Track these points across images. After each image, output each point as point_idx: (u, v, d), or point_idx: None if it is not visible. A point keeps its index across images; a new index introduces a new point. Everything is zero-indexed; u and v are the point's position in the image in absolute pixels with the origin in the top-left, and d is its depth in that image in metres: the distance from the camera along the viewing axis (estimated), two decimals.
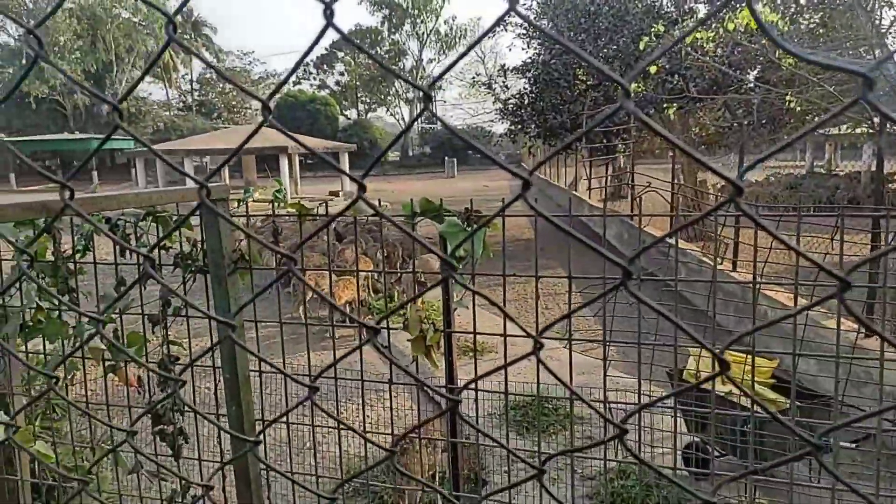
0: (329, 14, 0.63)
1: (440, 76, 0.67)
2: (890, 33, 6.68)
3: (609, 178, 18.25)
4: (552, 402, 5.72)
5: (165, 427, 2.13)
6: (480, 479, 4.63)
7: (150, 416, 2.12)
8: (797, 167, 25.87)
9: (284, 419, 2.33)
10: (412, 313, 2.23)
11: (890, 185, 19.27)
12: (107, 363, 2.30)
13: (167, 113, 50.18)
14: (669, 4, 12.93)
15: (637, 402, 2.67)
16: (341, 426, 2.28)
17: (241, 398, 1.86)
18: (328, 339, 7.87)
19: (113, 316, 2.26)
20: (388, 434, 2.80)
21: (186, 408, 2.17)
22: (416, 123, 59.77)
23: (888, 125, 7.20)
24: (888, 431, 4.71)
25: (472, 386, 3.03)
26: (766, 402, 4.62)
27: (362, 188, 0.69)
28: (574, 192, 22.79)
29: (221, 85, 56.63)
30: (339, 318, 9.88)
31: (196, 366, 2.50)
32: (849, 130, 12.93)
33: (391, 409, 2.62)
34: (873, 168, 22.19)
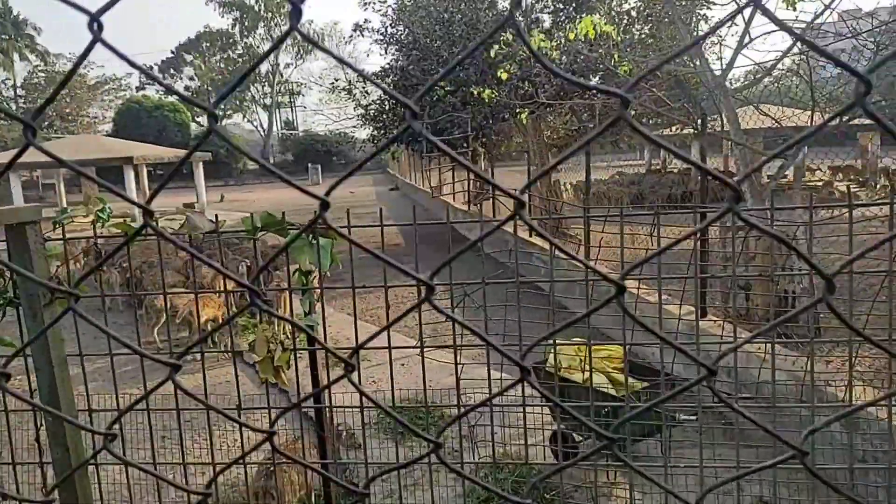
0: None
1: (222, 97, 0.63)
2: (706, 45, 7.44)
3: (470, 181, 18.80)
4: (419, 406, 5.75)
5: None
6: (358, 493, 4.54)
7: None
8: (637, 165, 28.23)
9: (117, 460, 2.12)
10: (259, 333, 2.12)
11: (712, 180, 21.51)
12: None
13: None
14: (518, 15, 13.56)
15: (489, 398, 2.75)
16: (186, 463, 2.11)
17: (66, 441, 1.66)
18: (196, 361, 7.37)
19: None
20: (239, 464, 2.64)
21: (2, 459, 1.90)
22: (276, 129, 57.96)
23: (709, 126, 8.05)
24: (717, 406, 5.24)
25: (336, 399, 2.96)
26: (621, 387, 4.95)
27: (149, 214, 0.62)
28: (439, 196, 23.23)
29: (51, 90, 51.33)
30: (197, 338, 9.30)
31: (13, 410, 2.21)
32: (678, 131, 14.31)
33: (242, 438, 2.48)
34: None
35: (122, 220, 2.64)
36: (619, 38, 6.69)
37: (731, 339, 4.55)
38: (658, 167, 27.79)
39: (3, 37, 49.19)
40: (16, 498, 1.92)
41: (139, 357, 2.35)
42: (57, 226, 2.10)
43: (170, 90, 0.64)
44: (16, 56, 50.17)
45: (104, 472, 4.01)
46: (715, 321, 6.64)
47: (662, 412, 4.32)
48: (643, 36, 9.09)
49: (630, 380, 5.04)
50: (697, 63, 7.21)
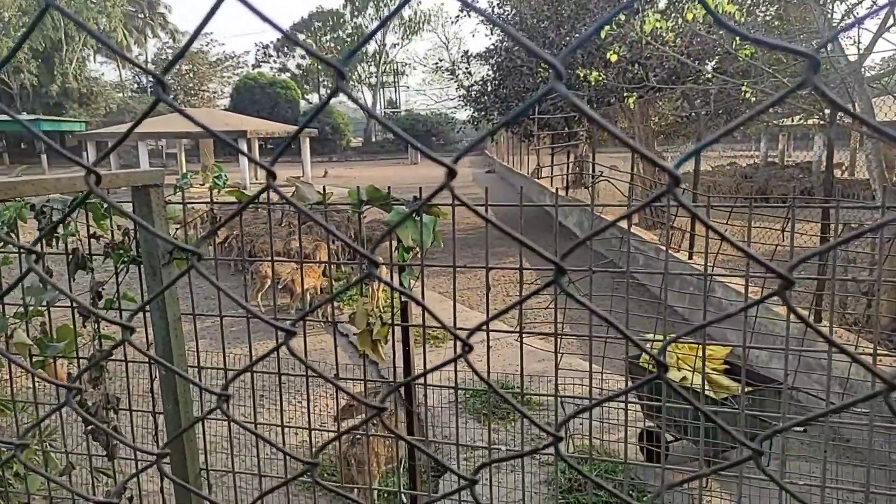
0: None
1: (351, 54, 0.60)
2: (841, 27, 6.82)
3: (570, 165, 18.39)
4: (511, 390, 5.73)
5: (98, 426, 2.01)
6: (442, 467, 4.60)
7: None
8: (752, 156, 26.51)
9: (224, 417, 2.24)
10: (359, 307, 2.16)
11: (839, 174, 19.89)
12: (34, 359, 2.17)
13: (120, 94, 48.52)
14: None
15: (589, 390, 2.67)
16: (284, 425, 2.20)
17: (177, 395, 1.77)
18: (296, 327, 7.72)
19: (41, 309, 2.13)
20: (333, 432, 2.72)
21: (120, 405, 2.06)
22: (379, 109, 59.23)
23: (838, 116, 7.39)
24: (833, 412, 4.85)
25: (425, 378, 2.98)
26: (720, 389, 4.70)
27: (272, 175, 0.62)
28: (536, 179, 22.91)
29: (178, 66, 54.98)
30: (299, 306, 9.72)
31: (132, 361, 2.39)
32: (801, 121, 13.27)
33: (336, 403, 2.55)
34: (824, 158, 22.89)
35: (235, 188, 2.76)
36: (742, 20, 6.24)
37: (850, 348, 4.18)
38: (775, 159, 26.00)
39: (140, 16, 53.10)
40: (131, 446, 2.08)
41: (245, 319, 2.48)
42: (178, 190, 2.23)
43: (308, 53, 0.61)
44: (149, 32, 54.06)
45: (207, 425, 4.29)
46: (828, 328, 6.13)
47: (769, 421, 4.06)
48: (769, 18, 8.44)
49: (730, 382, 4.77)
50: (830, 47, 6.62)
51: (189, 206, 2.19)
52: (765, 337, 6.38)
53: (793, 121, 14.81)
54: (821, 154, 23.25)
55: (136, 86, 54.72)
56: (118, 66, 52.47)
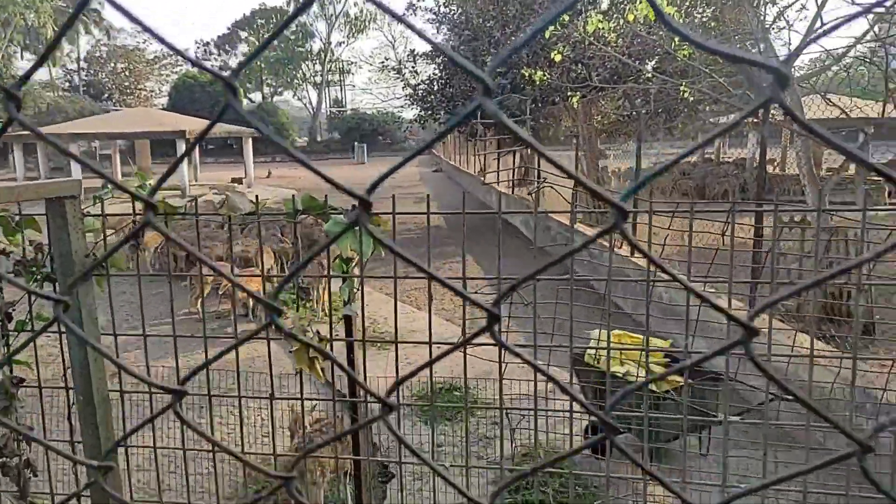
0: None
1: (241, 67, 0.54)
2: (773, 29, 7.06)
3: (515, 165, 18.56)
4: (459, 390, 5.70)
5: (8, 460, 1.84)
6: (388, 472, 4.53)
7: None
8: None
9: (146, 441, 2.10)
10: (296, 322, 2.07)
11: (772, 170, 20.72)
12: None
13: (51, 94, 46.27)
14: None
15: (535, 387, 2.65)
16: (216, 448, 2.08)
17: (97, 421, 1.64)
18: (231, 337, 7.48)
19: None
20: (268, 455, 2.60)
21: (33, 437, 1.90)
22: (325, 108, 58.45)
23: (771, 115, 7.66)
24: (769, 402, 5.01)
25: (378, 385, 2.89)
26: (663, 383, 4.78)
27: (151, 208, 0.54)
28: (482, 179, 23.05)
29: (112, 64, 52.89)
30: (240, 312, 9.43)
31: (46, 387, 2.22)
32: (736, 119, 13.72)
33: (272, 421, 2.45)
34: (757, 155, 23.87)
35: (162, 200, 2.61)
36: (680, 20, 6.38)
37: (787, 343, 4.31)
38: (711, 156, 26.91)
39: (70, 11, 50.76)
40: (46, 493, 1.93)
41: (180, 331, 2.33)
42: (97, 201, 2.08)
43: (196, 64, 0.56)
44: (81, 29, 51.77)
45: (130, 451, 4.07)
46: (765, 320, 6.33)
47: (706, 411, 4.15)
48: (705, 19, 8.70)
49: (672, 375, 4.87)
50: (762, 48, 6.85)
51: (109, 216, 2.05)
52: (703, 329, 6.56)
53: (727, 119, 15.35)
54: (754, 151, 24.26)
55: (67, 84, 52.32)
56: (48, 64, 50.01)
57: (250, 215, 2.20)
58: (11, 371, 1.96)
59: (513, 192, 17.35)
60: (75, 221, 1.77)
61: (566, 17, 6.85)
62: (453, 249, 12.46)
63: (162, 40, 0.56)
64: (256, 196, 2.50)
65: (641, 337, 5.28)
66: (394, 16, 0.56)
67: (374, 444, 4.56)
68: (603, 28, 6.14)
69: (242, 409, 2.20)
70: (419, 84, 17.27)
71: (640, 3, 5.70)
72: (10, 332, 1.99)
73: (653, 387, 4.72)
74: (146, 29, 0.55)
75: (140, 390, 2.35)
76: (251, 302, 9.19)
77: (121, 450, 2.08)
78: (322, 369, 2.15)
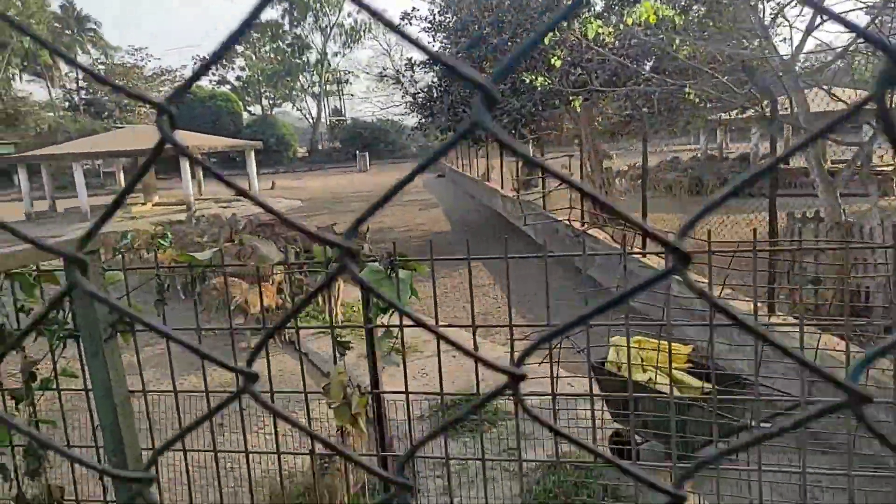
0: None
1: (183, 88, 0.53)
2: (772, 27, 7.06)
3: (518, 167, 18.56)
4: (467, 395, 5.70)
5: None
6: (414, 488, 4.52)
7: None
8: (692, 150, 27.33)
9: (179, 446, 2.11)
10: (334, 378, 2.06)
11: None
12: None
13: (51, 114, 46.49)
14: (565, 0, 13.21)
15: (553, 395, 2.65)
16: (249, 451, 2.09)
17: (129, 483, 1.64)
18: (245, 349, 7.50)
19: None
20: (305, 454, 2.62)
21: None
22: (324, 118, 58.48)
23: (779, 111, 7.64)
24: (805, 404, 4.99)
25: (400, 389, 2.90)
26: (687, 389, 4.77)
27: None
28: (487, 182, 23.06)
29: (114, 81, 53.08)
30: (253, 323, 9.44)
31: (75, 446, 2.22)
32: (738, 115, 13.74)
33: (308, 420, 2.45)
34: (761, 149, 23.87)
35: (184, 251, 2.62)
36: (680, 21, 6.39)
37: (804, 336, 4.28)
38: (714, 152, 26.89)
39: (67, 32, 51.06)
40: None
41: (198, 358, 2.33)
42: (117, 253, 2.08)
43: (117, 88, 0.55)
44: (78, 49, 52.06)
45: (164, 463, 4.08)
46: (782, 317, 6.32)
47: (733, 418, 4.14)
48: (700, 17, 8.70)
49: (696, 381, 4.85)
50: (756, 43, 6.85)
51: (131, 270, 2.05)
52: (722, 330, 6.54)
53: (730, 115, 15.34)
54: (759, 144, 24.27)
55: (66, 104, 52.55)
56: (47, 84, 50.27)
57: (279, 265, 2.21)
58: (38, 429, 1.95)
59: (518, 196, 17.35)
60: (95, 276, 1.76)
61: (563, 23, 6.85)
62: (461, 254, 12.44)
63: (76, 63, 0.56)
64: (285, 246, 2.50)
65: (661, 342, 5.27)
66: (390, 26, 0.53)
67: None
68: (602, 32, 6.14)
69: (275, 420, 2.20)
70: (418, 92, 17.31)
71: (640, 6, 5.71)
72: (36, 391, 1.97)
73: (678, 393, 4.71)
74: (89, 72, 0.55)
75: (177, 448, 2.33)
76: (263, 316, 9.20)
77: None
78: (364, 427, 2.14)
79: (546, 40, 7.52)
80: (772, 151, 6.95)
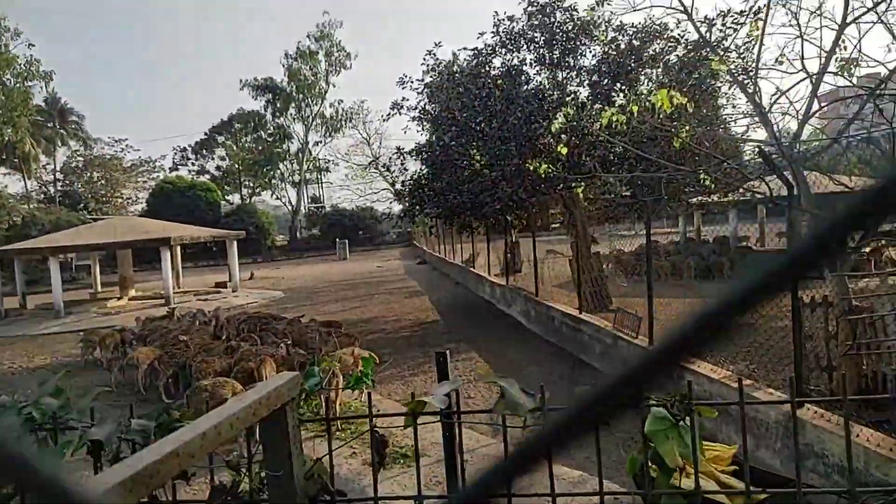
0: None
1: None
2: (771, 114, 7.15)
3: (505, 252, 18.51)
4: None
5: None
6: None
7: None
8: (666, 233, 27.71)
9: None
10: None
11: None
12: None
13: (25, 206, 45.90)
14: (553, 90, 13.56)
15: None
16: None
17: None
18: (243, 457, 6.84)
19: None
20: None
21: None
22: (304, 206, 58.77)
23: (750, 192, 7.60)
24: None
25: None
26: (735, 495, 4.35)
27: None
28: (471, 268, 22.92)
29: (88, 174, 53.06)
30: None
31: None
32: (720, 199, 13.97)
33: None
34: (738, 232, 24.33)
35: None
36: (691, 108, 6.44)
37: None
38: (692, 235, 27.29)
39: (49, 125, 51.43)
40: None
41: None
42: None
43: None
44: (58, 141, 52.31)
45: None
46: (814, 411, 5.96)
47: None
48: (698, 102, 8.89)
49: (740, 484, 4.43)
50: (748, 129, 6.92)
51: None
52: (748, 427, 6.17)
53: (710, 199, 15.60)
54: (736, 227, 24.78)
55: (42, 196, 52.12)
56: (23, 176, 49.96)
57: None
58: None
59: (507, 283, 17.16)
60: (295, 432, 1.41)
61: (571, 111, 6.91)
62: (453, 347, 11.99)
63: None
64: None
65: (704, 443, 4.87)
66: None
67: None
68: (616, 120, 6.15)
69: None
70: (406, 180, 17.41)
71: (655, 95, 5.75)
72: None
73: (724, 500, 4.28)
74: None
75: None
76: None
77: None
78: None
79: (554, 128, 7.57)
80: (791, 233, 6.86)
